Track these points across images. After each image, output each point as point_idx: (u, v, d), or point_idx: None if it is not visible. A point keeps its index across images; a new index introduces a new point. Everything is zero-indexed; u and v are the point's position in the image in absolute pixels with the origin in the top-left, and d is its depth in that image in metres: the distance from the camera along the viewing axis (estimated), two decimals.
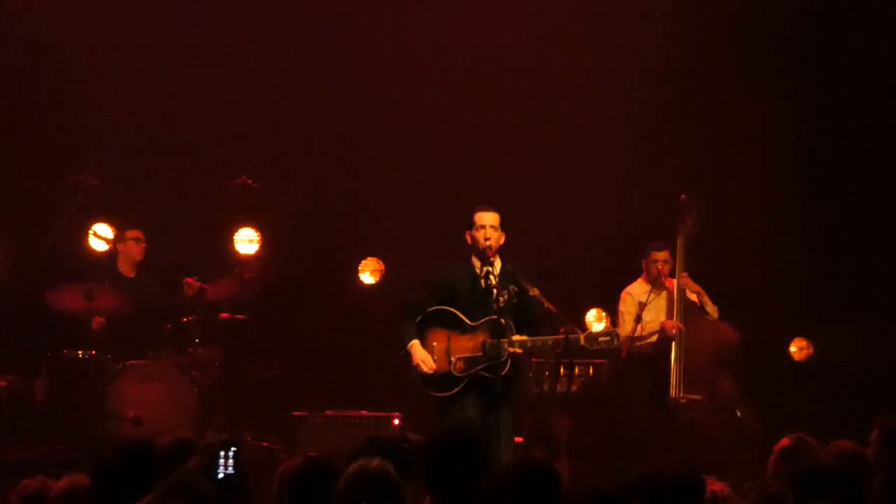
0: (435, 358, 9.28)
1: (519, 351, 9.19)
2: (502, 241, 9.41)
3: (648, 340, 11.24)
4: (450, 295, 9.34)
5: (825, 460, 6.36)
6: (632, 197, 12.60)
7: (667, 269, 11.29)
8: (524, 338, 9.19)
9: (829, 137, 12.68)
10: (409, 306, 9.43)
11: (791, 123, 12.65)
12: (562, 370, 10.78)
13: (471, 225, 9.36)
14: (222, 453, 5.00)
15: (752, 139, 12.66)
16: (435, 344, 9.30)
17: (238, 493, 5.04)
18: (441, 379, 9.27)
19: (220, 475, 4.98)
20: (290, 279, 12.80)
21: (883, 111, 12.63)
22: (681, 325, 11.15)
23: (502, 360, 9.09)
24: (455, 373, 9.22)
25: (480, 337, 9.22)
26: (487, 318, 9.18)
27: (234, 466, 4.99)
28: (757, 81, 12.60)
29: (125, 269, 11.90)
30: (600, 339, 9.37)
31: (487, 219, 9.35)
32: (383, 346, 10.12)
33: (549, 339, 9.41)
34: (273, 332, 12.41)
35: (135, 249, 11.88)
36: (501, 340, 9.08)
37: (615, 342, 9.45)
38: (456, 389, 9.22)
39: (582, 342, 9.35)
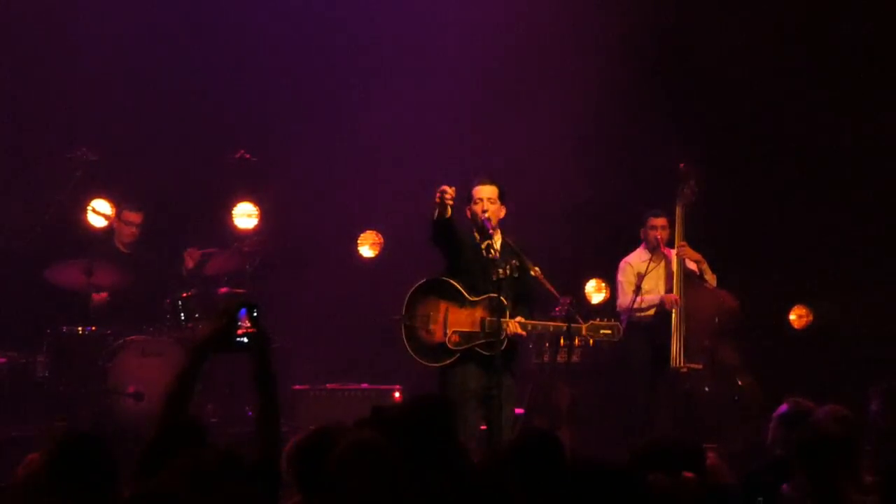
0: (431, 328, 9.26)
1: (522, 333, 9.18)
2: (502, 213, 9.35)
3: (647, 312, 11.25)
4: (458, 252, 9.27)
5: (824, 425, 6.37)
6: (631, 166, 12.58)
7: (665, 235, 11.29)
8: (525, 320, 9.17)
9: (830, 105, 12.64)
10: None
11: (790, 91, 12.65)
12: (562, 341, 10.79)
13: (469, 199, 9.33)
14: (242, 314, 4.97)
15: (751, 106, 12.65)
16: (431, 313, 9.28)
17: (260, 351, 5.02)
18: (433, 349, 9.26)
19: (241, 337, 4.96)
20: (289, 253, 12.79)
21: (882, 79, 12.61)
22: (679, 299, 11.14)
23: (501, 339, 9.07)
24: (449, 345, 9.20)
25: (479, 313, 9.19)
26: (488, 294, 9.16)
27: (254, 327, 4.96)
28: (759, 47, 12.61)
29: (120, 245, 11.88)
30: (601, 331, 9.37)
31: (485, 192, 9.30)
32: (383, 318, 10.11)
33: (551, 324, 9.46)
34: (272, 305, 12.40)
35: (126, 231, 11.82)
36: (502, 320, 9.06)
37: (616, 336, 9.44)
38: (447, 361, 9.21)
39: (583, 333, 9.37)
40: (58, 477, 4.86)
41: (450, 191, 8.78)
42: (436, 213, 8.87)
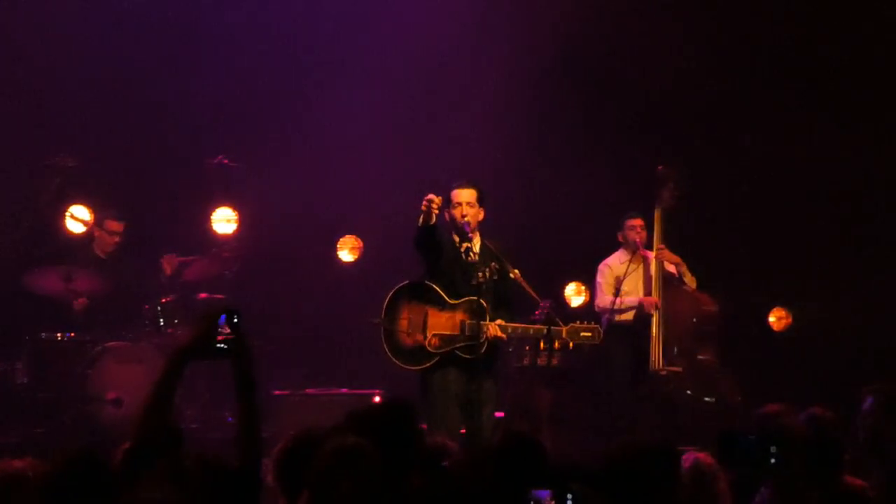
0: (410, 331, 9.28)
1: (503, 336, 9.20)
2: (481, 216, 9.39)
3: (626, 315, 11.26)
4: (438, 256, 9.29)
5: (802, 428, 6.38)
6: (609, 169, 12.60)
7: (643, 236, 11.32)
8: (505, 323, 9.19)
9: (806, 108, 12.69)
10: None
11: (766, 93, 12.69)
12: (542, 344, 10.80)
13: (448, 203, 9.34)
14: (222, 321, 4.95)
15: (728, 109, 12.68)
16: (411, 316, 9.30)
17: (240, 357, 5.00)
18: (413, 352, 9.27)
19: (221, 343, 4.94)
20: (269, 258, 12.78)
21: (866, 69, 12.66)
22: (658, 302, 11.17)
23: (481, 341, 9.09)
24: (429, 348, 9.22)
25: (459, 316, 9.21)
26: (468, 297, 9.18)
27: (234, 333, 4.94)
28: (736, 52, 12.67)
29: (100, 252, 11.83)
30: (582, 334, 9.40)
31: (463, 196, 9.34)
32: (362, 322, 10.11)
33: (531, 327, 9.45)
34: (252, 311, 12.34)
35: (108, 240, 11.78)
36: (482, 323, 9.08)
37: (596, 339, 9.46)
38: (427, 364, 9.23)
39: (563, 335, 9.38)
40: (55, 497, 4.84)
41: (436, 199, 8.89)
42: (421, 220, 8.93)
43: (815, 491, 5.77)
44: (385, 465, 5.09)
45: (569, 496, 4.49)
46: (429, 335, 9.23)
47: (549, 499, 4.47)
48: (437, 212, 8.95)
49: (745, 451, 5.51)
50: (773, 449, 5.46)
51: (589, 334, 9.41)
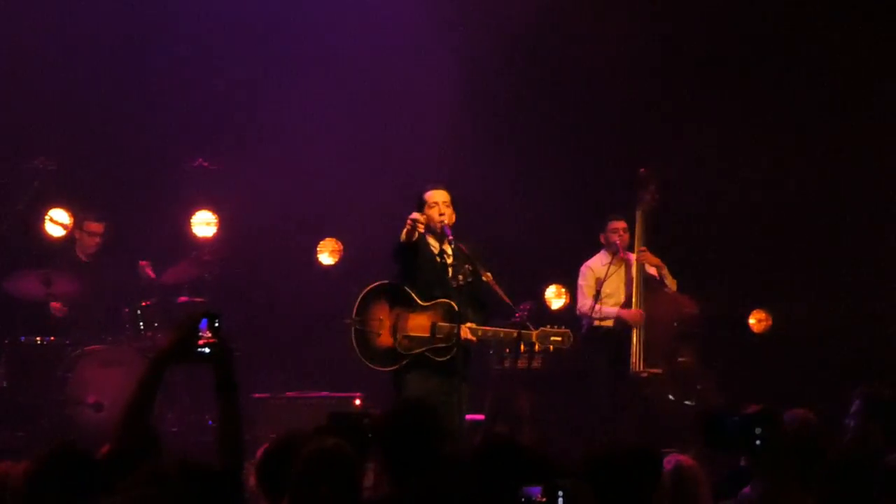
0: (381, 332, 9.28)
1: (473, 339, 9.21)
2: (454, 219, 9.40)
3: (606, 323, 11.25)
4: (415, 261, 9.30)
5: (790, 430, 6.39)
6: (590, 172, 12.61)
7: (625, 238, 11.33)
8: (476, 326, 9.20)
9: (790, 109, 12.72)
10: None
11: (750, 93, 12.72)
12: (522, 347, 10.80)
13: (422, 205, 9.35)
14: (203, 325, 4.93)
15: (708, 112, 12.69)
16: (381, 318, 9.30)
17: (221, 361, 4.98)
18: (383, 354, 9.28)
19: (202, 348, 4.91)
20: (249, 261, 12.75)
21: (853, 70, 12.69)
22: (642, 312, 11.18)
23: (453, 345, 9.09)
24: (400, 350, 9.23)
25: (431, 318, 9.22)
26: (441, 299, 9.18)
27: (216, 337, 4.91)
28: (722, 52, 12.70)
29: (82, 255, 11.81)
30: (552, 338, 9.39)
31: (439, 196, 9.37)
32: (335, 321, 10.10)
33: (501, 331, 9.45)
34: (232, 314, 12.30)
35: (88, 242, 11.76)
36: (454, 325, 9.08)
37: (566, 343, 9.46)
38: (396, 366, 9.24)
39: (533, 339, 9.38)
40: (40, 490, 4.83)
41: (421, 218, 9.04)
42: (404, 237, 9.00)
43: (807, 494, 5.77)
44: (405, 467, 5.14)
45: (560, 493, 4.49)
46: (399, 336, 9.24)
47: (540, 495, 4.46)
48: (422, 230, 9.06)
49: (730, 433, 5.49)
50: (757, 430, 5.45)
51: (559, 339, 9.40)
